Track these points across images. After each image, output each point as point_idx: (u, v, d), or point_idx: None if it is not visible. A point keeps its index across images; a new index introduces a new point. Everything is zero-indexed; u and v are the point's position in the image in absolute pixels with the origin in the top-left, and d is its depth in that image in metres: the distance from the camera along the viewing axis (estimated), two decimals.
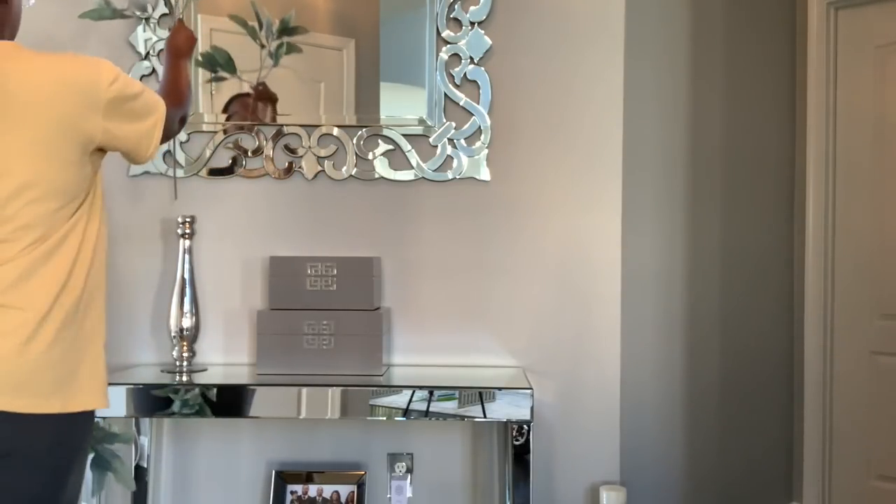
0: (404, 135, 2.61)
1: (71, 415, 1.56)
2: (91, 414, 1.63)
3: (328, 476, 2.56)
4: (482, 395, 2.25)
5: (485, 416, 2.26)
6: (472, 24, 2.60)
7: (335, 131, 2.61)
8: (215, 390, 2.27)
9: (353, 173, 2.61)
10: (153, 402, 2.26)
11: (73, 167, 1.57)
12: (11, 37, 1.67)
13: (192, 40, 2.09)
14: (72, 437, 1.58)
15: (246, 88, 2.61)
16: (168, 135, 1.78)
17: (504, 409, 2.26)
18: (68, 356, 1.56)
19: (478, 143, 2.61)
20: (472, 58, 2.60)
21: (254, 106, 2.61)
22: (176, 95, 1.87)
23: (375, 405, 2.26)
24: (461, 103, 2.60)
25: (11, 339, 1.49)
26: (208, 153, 2.60)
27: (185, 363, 2.47)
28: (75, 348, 1.57)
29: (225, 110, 2.61)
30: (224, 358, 2.62)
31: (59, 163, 1.55)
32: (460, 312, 2.62)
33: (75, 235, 1.59)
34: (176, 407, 2.26)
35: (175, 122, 1.82)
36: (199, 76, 2.60)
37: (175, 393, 2.26)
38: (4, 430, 1.49)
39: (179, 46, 2.05)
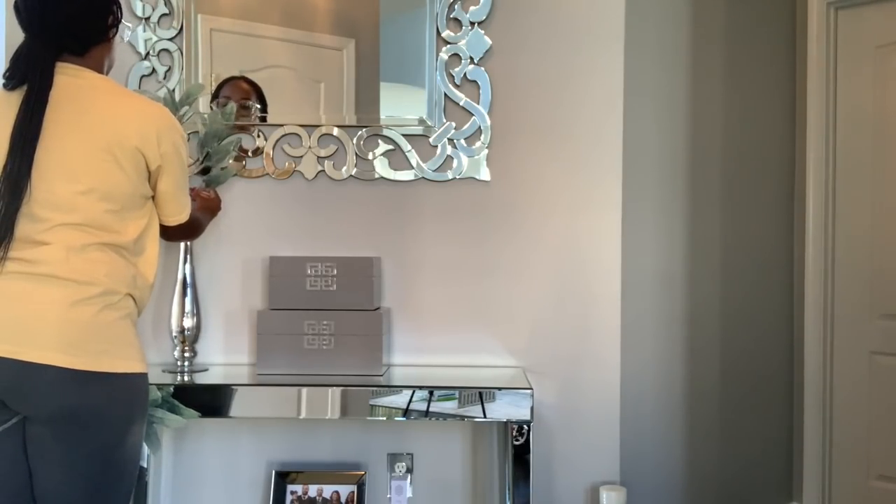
0: (404, 135, 2.61)
1: (122, 376, 1.71)
2: (141, 378, 1.77)
3: (328, 476, 2.56)
4: (482, 395, 2.25)
5: (485, 416, 2.26)
6: (472, 24, 2.60)
7: (335, 131, 2.61)
8: (216, 390, 2.28)
9: (353, 173, 2.61)
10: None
11: (129, 179, 1.76)
12: (108, 70, 1.91)
13: (219, 208, 2.46)
14: (124, 396, 1.73)
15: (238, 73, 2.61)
16: (179, 231, 2.00)
17: (504, 409, 2.26)
18: (112, 327, 1.71)
19: (478, 143, 2.61)
20: (472, 58, 2.60)
21: (247, 90, 2.60)
22: (195, 219, 2.12)
23: (375, 405, 2.26)
24: (461, 103, 2.60)
25: (61, 305, 1.66)
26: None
27: (186, 363, 2.48)
28: (117, 324, 1.72)
29: (216, 95, 2.60)
30: (224, 358, 2.62)
31: (117, 173, 1.74)
32: (460, 312, 2.62)
33: (126, 235, 1.78)
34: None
35: (187, 227, 2.02)
36: (200, 69, 2.60)
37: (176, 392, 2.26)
38: (70, 386, 1.65)
39: (213, 210, 2.41)
